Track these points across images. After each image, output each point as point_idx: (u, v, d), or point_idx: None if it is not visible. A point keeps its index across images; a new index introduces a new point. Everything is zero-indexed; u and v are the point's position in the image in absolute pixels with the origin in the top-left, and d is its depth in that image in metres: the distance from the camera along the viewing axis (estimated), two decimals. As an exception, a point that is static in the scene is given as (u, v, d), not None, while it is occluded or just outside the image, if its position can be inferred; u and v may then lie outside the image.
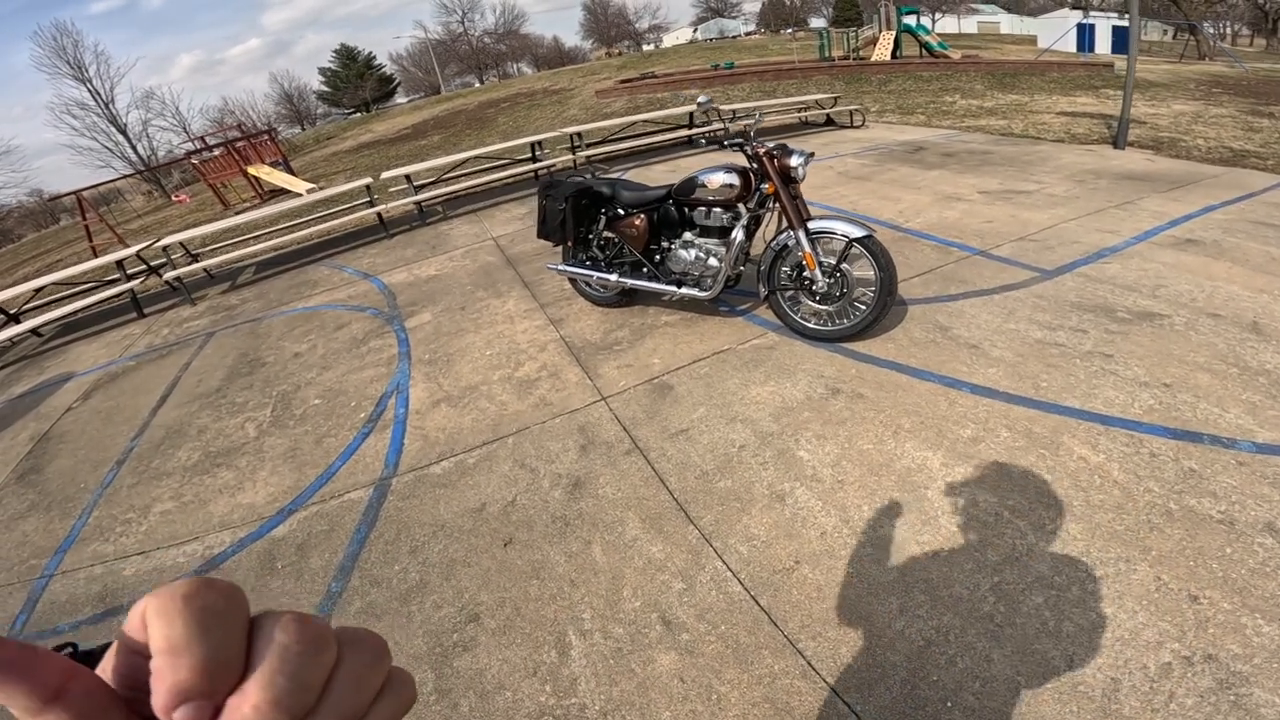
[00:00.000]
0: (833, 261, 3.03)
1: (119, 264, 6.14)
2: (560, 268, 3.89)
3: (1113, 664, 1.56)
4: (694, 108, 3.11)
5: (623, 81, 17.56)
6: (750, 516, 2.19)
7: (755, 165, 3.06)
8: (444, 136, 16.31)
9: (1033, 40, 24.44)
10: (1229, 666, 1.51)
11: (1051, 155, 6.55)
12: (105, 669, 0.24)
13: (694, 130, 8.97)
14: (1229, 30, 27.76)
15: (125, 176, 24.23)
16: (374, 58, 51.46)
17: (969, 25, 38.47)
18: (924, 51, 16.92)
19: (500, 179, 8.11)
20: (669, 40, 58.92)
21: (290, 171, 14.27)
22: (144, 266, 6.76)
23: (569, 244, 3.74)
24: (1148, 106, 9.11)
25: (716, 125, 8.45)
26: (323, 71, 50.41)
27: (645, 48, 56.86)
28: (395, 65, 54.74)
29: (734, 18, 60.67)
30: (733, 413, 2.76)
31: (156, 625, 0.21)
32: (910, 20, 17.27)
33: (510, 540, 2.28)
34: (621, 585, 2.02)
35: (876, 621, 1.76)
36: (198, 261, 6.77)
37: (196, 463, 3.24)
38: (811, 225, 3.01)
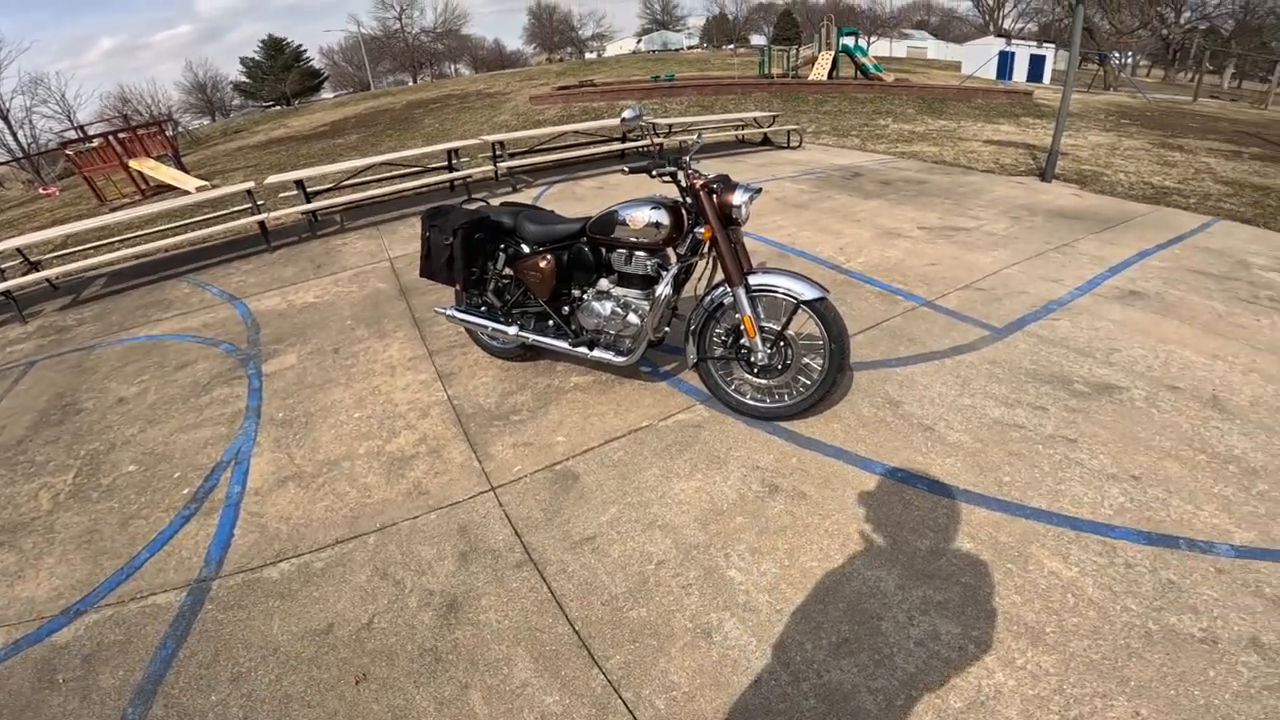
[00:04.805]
0: (776, 328, 2.51)
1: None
2: (449, 312, 3.23)
3: None
4: (619, 121, 2.56)
5: (560, 89, 16.89)
6: (669, 658, 1.72)
7: (690, 200, 2.51)
8: (363, 136, 15.10)
9: (957, 66, 25.48)
10: None
11: (984, 187, 6.46)
12: None
13: (627, 144, 8.45)
14: (1130, 62, 30.06)
15: (-2, 164, 21.25)
16: (303, 50, 47.82)
17: (899, 49, 40.08)
18: (859, 73, 17.19)
19: (410, 189, 7.32)
20: (612, 49, 58.44)
21: (181, 167, 12.74)
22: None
23: (460, 287, 3.10)
24: (1066, 137, 9.36)
25: (647, 142, 7.96)
26: (244, 61, 46.46)
27: (588, 55, 56.17)
28: (326, 59, 51.46)
29: (678, 31, 60.87)
30: (651, 515, 2.22)
31: None
32: (850, 41, 17.51)
33: (364, 676, 1.75)
34: (504, 751, 1.53)
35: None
36: (38, 270, 5.63)
37: (-40, 552, 2.42)
38: (753, 280, 2.48)
